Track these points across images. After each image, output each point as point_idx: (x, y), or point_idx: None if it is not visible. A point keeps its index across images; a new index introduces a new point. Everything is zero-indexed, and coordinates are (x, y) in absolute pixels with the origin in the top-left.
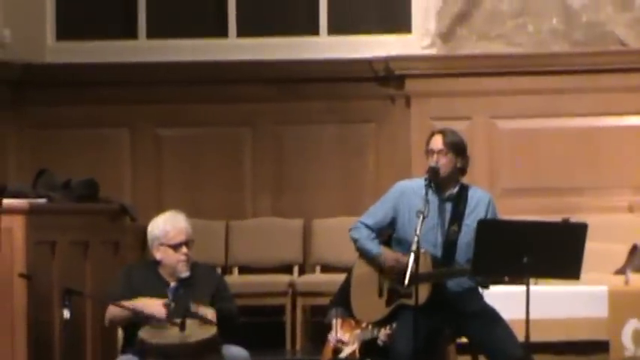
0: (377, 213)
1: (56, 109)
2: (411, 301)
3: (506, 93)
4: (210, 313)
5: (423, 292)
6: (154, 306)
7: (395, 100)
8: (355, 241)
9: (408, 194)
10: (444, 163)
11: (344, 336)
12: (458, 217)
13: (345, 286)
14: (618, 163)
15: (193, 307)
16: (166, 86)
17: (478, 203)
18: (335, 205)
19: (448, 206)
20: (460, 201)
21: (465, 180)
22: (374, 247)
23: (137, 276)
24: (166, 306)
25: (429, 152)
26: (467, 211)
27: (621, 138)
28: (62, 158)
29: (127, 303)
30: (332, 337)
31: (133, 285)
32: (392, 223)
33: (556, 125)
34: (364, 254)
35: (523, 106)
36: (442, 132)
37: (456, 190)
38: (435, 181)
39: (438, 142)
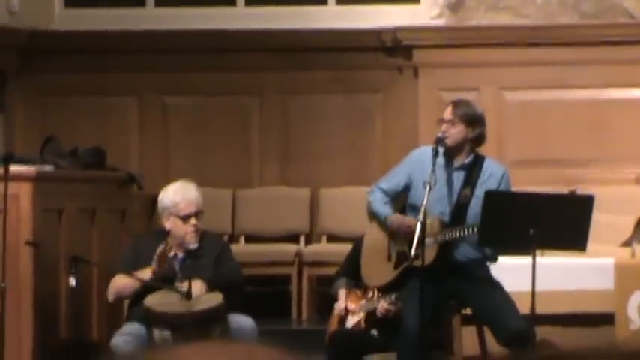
0: (392, 178)
1: (64, 77)
2: (419, 263)
3: (514, 64)
4: (199, 284)
5: (430, 253)
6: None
7: (402, 70)
8: (369, 203)
9: (423, 161)
10: (452, 133)
11: (350, 305)
12: (470, 184)
13: (352, 256)
14: (626, 136)
15: (180, 285)
16: (174, 55)
17: (491, 175)
18: (342, 174)
19: (460, 175)
20: (473, 170)
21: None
22: (384, 210)
23: (144, 246)
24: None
25: (440, 121)
26: (479, 181)
27: (629, 110)
28: (69, 126)
29: (140, 273)
30: (338, 306)
31: (139, 256)
32: (406, 189)
33: (564, 97)
34: (375, 217)
35: (531, 77)
36: (455, 103)
37: (468, 160)
38: (444, 150)
39: (448, 112)
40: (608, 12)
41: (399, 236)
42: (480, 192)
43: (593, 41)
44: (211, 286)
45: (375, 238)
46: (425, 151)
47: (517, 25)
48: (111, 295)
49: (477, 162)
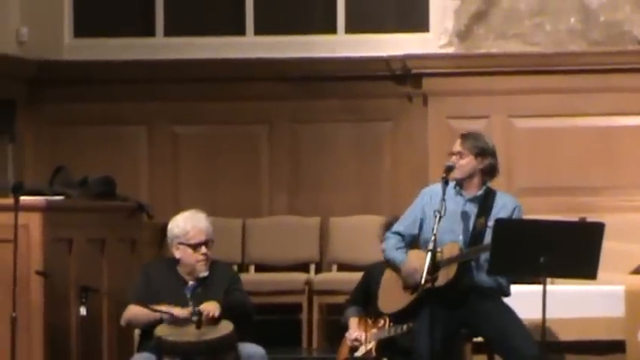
0: (405, 219)
1: (73, 107)
2: (435, 283)
3: (524, 92)
4: (212, 309)
5: (450, 271)
6: (179, 311)
7: (412, 98)
8: (383, 251)
9: (434, 196)
10: (461, 164)
11: (360, 335)
12: (484, 214)
13: (362, 285)
14: (635, 163)
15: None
16: (183, 84)
17: (504, 206)
18: (351, 203)
19: (472, 206)
20: (486, 202)
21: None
22: (397, 256)
23: (155, 275)
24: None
25: (450, 154)
26: (493, 211)
27: (638, 137)
28: (79, 156)
29: (157, 307)
30: (348, 335)
31: (152, 284)
32: (422, 226)
33: (573, 124)
34: (390, 263)
35: (540, 105)
36: (464, 135)
37: (480, 192)
38: (455, 182)
39: (457, 144)
40: (618, 39)
41: (410, 284)
42: (492, 223)
43: (602, 69)
44: (230, 307)
45: (393, 273)
46: (435, 187)
47: (526, 52)
48: (123, 322)
49: (489, 194)
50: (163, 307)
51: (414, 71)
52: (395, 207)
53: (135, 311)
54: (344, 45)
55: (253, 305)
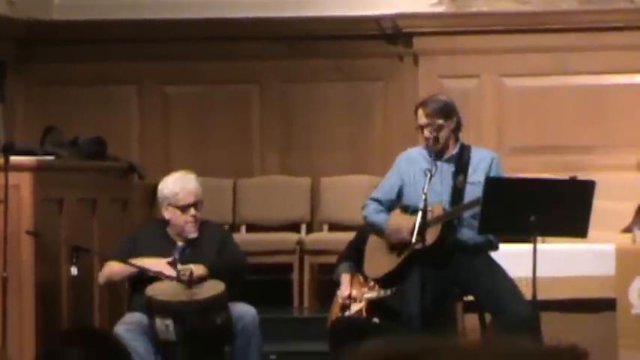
0: (384, 186)
1: (63, 66)
2: (420, 245)
3: (515, 51)
4: (196, 269)
5: (433, 233)
6: (160, 264)
7: (403, 58)
8: (365, 218)
9: (413, 161)
10: (442, 135)
11: (352, 292)
12: (463, 171)
13: (356, 242)
14: (626, 121)
15: (181, 269)
16: (174, 43)
17: (480, 162)
18: (343, 163)
19: (449, 166)
20: (462, 159)
21: (470, 138)
22: (380, 218)
23: (144, 237)
24: (171, 264)
25: (419, 128)
26: (470, 168)
27: (630, 96)
28: (70, 116)
29: (134, 261)
30: (341, 294)
31: (139, 246)
32: (400, 193)
33: (564, 83)
34: (373, 228)
35: (531, 64)
36: (422, 104)
37: (456, 150)
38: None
39: (421, 116)
40: None
41: (394, 241)
42: (473, 178)
43: (593, 27)
44: (214, 273)
45: (377, 238)
46: (411, 152)
47: (518, 11)
48: (101, 279)
49: (465, 151)
50: (146, 261)
51: (404, 30)
52: (386, 167)
53: (113, 267)
54: (335, 4)
55: (247, 263)
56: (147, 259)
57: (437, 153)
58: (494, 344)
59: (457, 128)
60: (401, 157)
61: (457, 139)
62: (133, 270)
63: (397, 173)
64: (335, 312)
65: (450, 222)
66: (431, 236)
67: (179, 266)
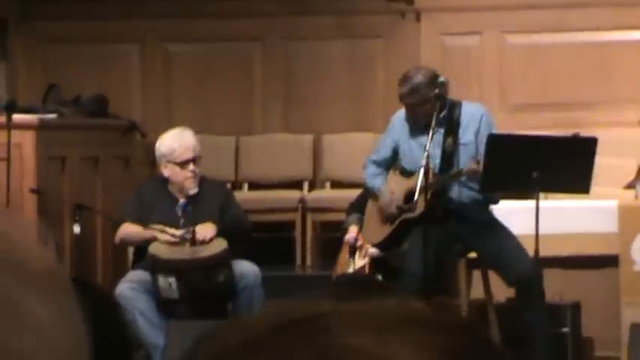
0: (380, 148)
1: (65, 24)
2: (413, 214)
3: (517, 8)
4: (206, 231)
5: (420, 204)
6: (172, 230)
7: (405, 15)
8: (365, 180)
9: (404, 123)
10: (421, 113)
11: (359, 245)
12: (452, 132)
13: (364, 194)
14: (629, 78)
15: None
16: (176, 2)
17: (471, 119)
18: (344, 120)
19: (440, 129)
20: (451, 119)
21: (472, 95)
22: (375, 183)
23: (148, 194)
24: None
25: (403, 104)
26: (461, 129)
27: (632, 53)
28: (71, 74)
29: (139, 228)
30: (349, 237)
31: (144, 204)
32: (395, 153)
33: (566, 40)
34: (369, 191)
35: (533, 20)
36: (399, 83)
37: (443, 113)
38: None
39: (403, 95)
40: None
41: (388, 212)
42: (463, 140)
43: None
44: (220, 232)
45: (374, 204)
46: (402, 114)
47: None
48: (117, 240)
49: (454, 110)
50: (157, 226)
51: None
52: (387, 124)
53: (129, 230)
54: None
55: (249, 220)
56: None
57: (426, 124)
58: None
59: (436, 102)
60: (394, 119)
61: (443, 104)
62: (151, 233)
63: (391, 135)
64: (339, 269)
65: (437, 191)
66: (419, 206)
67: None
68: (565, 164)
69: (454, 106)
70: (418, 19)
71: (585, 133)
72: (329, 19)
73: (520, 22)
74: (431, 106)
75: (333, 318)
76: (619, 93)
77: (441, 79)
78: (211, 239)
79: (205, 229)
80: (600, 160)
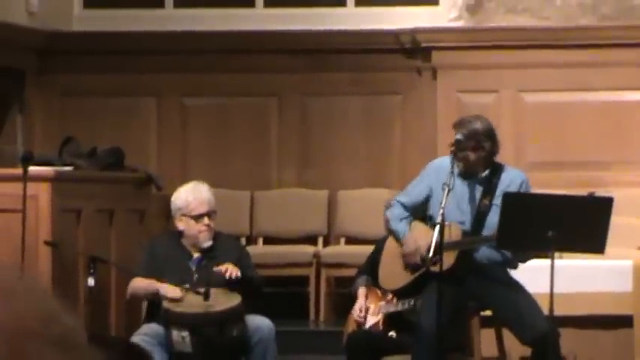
0: (412, 191)
1: (83, 77)
2: (437, 268)
3: (533, 66)
4: (233, 269)
5: (449, 259)
6: (171, 291)
7: (421, 72)
8: (387, 220)
9: (443, 171)
10: (471, 159)
11: (369, 306)
12: (490, 193)
13: (373, 256)
14: None
15: (216, 269)
16: (193, 56)
17: (511, 183)
18: (360, 176)
19: (479, 187)
20: (492, 180)
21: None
22: (401, 228)
23: (161, 249)
24: (183, 289)
25: (453, 144)
26: (498, 190)
27: None
28: (88, 127)
29: (146, 282)
30: (357, 307)
31: (157, 258)
32: (426, 201)
33: (583, 99)
34: (392, 235)
35: (550, 79)
36: (458, 125)
37: (486, 172)
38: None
39: (459, 134)
40: (628, 14)
41: (411, 262)
42: (498, 201)
43: (612, 43)
44: (232, 290)
45: (394, 245)
46: (443, 161)
47: (536, 26)
48: (127, 294)
49: (496, 172)
50: (165, 286)
51: (423, 45)
52: (404, 181)
53: (136, 285)
54: (354, 18)
55: (262, 280)
56: (161, 285)
57: (466, 173)
58: None
59: (488, 155)
60: (431, 165)
61: (490, 162)
62: (154, 288)
63: (426, 181)
64: (351, 325)
65: (467, 251)
66: (447, 261)
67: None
68: (580, 224)
69: (496, 168)
70: (435, 76)
71: (601, 192)
72: (345, 75)
73: (537, 81)
74: (480, 157)
75: None
76: (635, 153)
77: (487, 141)
78: (234, 281)
79: (230, 266)
80: (616, 220)
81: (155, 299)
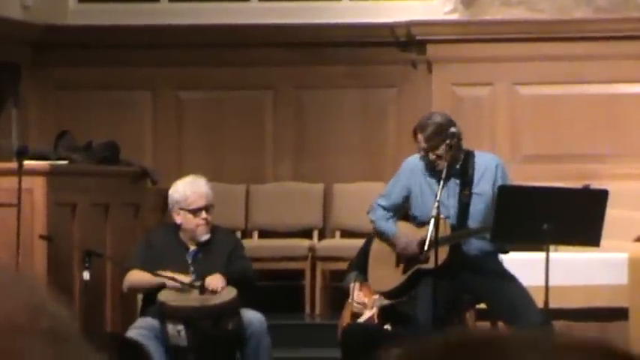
0: (390, 193)
1: (77, 71)
2: (429, 266)
3: (528, 59)
4: (220, 279)
5: (441, 254)
6: (178, 276)
7: (417, 65)
8: (372, 222)
9: (417, 170)
10: (440, 161)
11: (363, 300)
12: (467, 183)
13: (364, 250)
14: (639, 130)
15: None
16: (188, 49)
17: (486, 169)
18: (355, 170)
19: (455, 179)
20: (467, 169)
21: (483, 146)
22: (389, 227)
23: (157, 241)
24: (189, 274)
25: (422, 151)
26: (475, 178)
27: None
28: (83, 120)
29: (148, 275)
30: (351, 301)
31: (154, 250)
32: (406, 201)
33: (577, 92)
34: (381, 235)
35: (545, 72)
36: (420, 128)
37: (459, 163)
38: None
39: (421, 140)
40: (622, 6)
41: (406, 255)
42: (478, 189)
43: (607, 36)
44: (234, 276)
45: (381, 245)
46: (415, 160)
47: (531, 19)
48: (125, 287)
49: (469, 161)
50: (166, 273)
51: (418, 38)
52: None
53: (137, 276)
54: (349, 11)
55: (255, 273)
56: (170, 274)
57: (449, 167)
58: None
59: (459, 141)
60: (405, 166)
61: (460, 149)
62: (159, 280)
63: (402, 182)
64: (346, 319)
65: (457, 244)
66: (440, 256)
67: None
68: (576, 216)
69: (468, 156)
70: (430, 69)
71: (596, 185)
72: (341, 68)
73: (532, 74)
74: (451, 151)
75: (507, 341)
76: (630, 145)
77: (454, 129)
78: (222, 289)
79: (216, 280)
80: (611, 213)
81: (153, 292)
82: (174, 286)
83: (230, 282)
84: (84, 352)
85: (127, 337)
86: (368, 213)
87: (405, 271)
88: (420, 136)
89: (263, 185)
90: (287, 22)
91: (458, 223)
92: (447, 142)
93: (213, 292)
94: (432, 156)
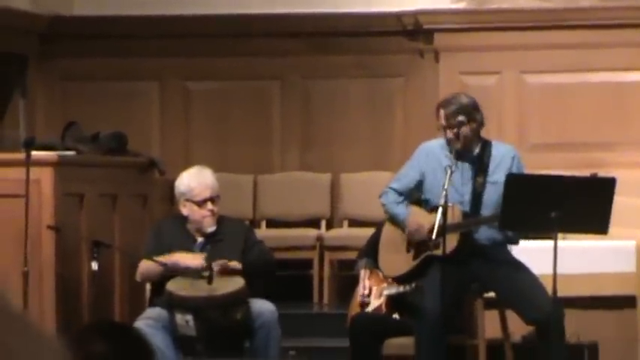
0: (403, 177)
1: (85, 62)
2: (439, 252)
3: (536, 47)
4: (234, 263)
5: (451, 242)
6: (190, 259)
7: (424, 54)
8: (383, 206)
9: (432, 155)
10: (464, 135)
11: (372, 288)
12: (483, 171)
13: (374, 238)
14: None
15: (215, 266)
16: (195, 39)
17: (502, 159)
18: (363, 159)
19: (472, 166)
20: (483, 158)
21: (491, 134)
22: (400, 210)
23: (166, 231)
24: (203, 255)
25: (441, 128)
26: (491, 167)
27: None
28: (91, 111)
29: (162, 258)
30: (360, 290)
31: (163, 241)
32: (419, 185)
33: (585, 80)
34: (392, 219)
35: (552, 60)
36: (444, 104)
37: (478, 149)
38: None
39: (442, 116)
40: None
41: (416, 239)
42: (493, 178)
43: (614, 24)
44: (246, 271)
45: (392, 229)
46: (432, 145)
47: (539, 7)
48: (138, 277)
49: (486, 149)
50: (176, 256)
51: (425, 27)
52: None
53: (148, 266)
54: (356, 1)
55: (273, 256)
56: (178, 255)
57: (458, 152)
58: None
59: (479, 127)
60: (421, 150)
61: (479, 137)
62: (163, 269)
63: (417, 166)
64: (354, 308)
65: (468, 232)
66: (449, 245)
67: (213, 264)
68: (583, 204)
69: (485, 145)
70: (437, 58)
71: (604, 173)
72: (348, 58)
73: (539, 62)
74: (470, 134)
75: None
76: (637, 133)
77: (477, 114)
78: (231, 271)
79: (221, 261)
80: (619, 200)
81: (163, 281)
82: (183, 271)
83: (251, 268)
84: None
85: (126, 327)
86: (380, 197)
87: (415, 257)
88: (441, 112)
89: (271, 175)
90: (294, 11)
91: (471, 211)
92: (467, 123)
93: (223, 270)
94: (449, 133)
